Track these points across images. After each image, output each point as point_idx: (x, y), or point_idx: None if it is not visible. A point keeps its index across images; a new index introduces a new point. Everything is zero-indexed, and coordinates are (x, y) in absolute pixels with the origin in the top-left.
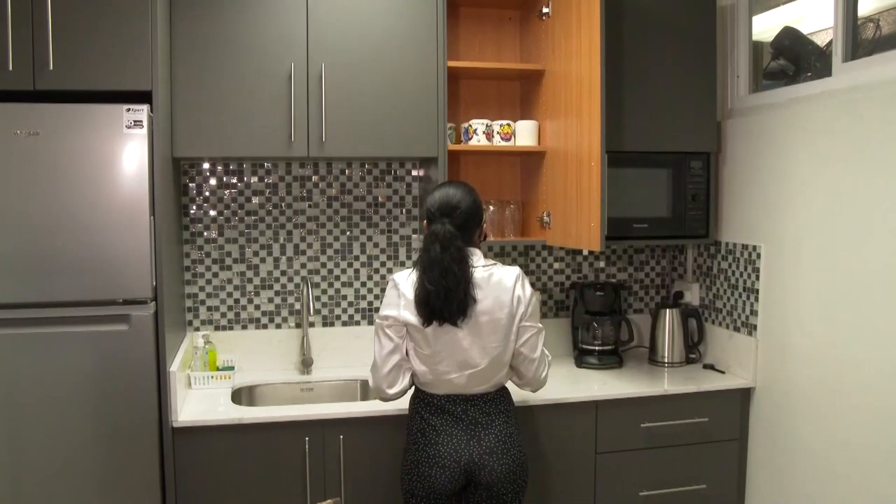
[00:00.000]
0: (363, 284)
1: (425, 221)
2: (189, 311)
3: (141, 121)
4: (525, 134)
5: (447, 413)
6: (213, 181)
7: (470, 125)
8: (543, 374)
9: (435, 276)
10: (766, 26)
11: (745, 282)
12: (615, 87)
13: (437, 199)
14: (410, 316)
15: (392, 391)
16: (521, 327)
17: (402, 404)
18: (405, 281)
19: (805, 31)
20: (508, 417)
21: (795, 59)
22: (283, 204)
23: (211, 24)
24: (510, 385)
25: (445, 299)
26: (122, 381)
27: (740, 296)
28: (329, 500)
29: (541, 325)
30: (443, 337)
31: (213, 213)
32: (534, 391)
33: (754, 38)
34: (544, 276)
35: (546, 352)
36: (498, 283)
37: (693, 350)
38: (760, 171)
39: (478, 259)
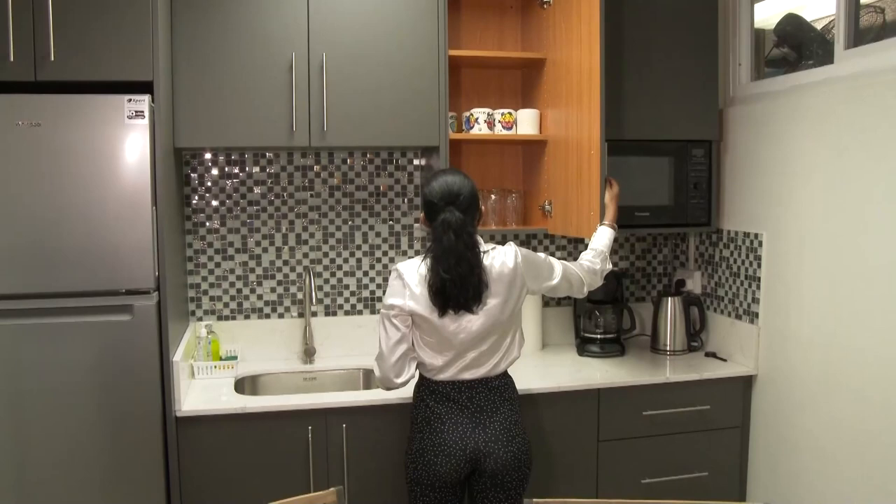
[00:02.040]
0: (365, 274)
1: (422, 213)
2: (192, 301)
3: (142, 111)
4: (526, 122)
5: (452, 401)
6: (214, 171)
7: (471, 114)
8: (602, 265)
9: (450, 265)
10: (769, 14)
11: (746, 270)
12: (617, 76)
13: (436, 188)
14: (416, 305)
15: (399, 380)
16: (543, 288)
17: (405, 392)
18: (410, 271)
19: (808, 18)
20: (513, 405)
21: (798, 46)
22: (284, 194)
23: (212, 13)
24: (512, 372)
25: (461, 287)
26: (125, 370)
27: (742, 284)
28: (331, 489)
29: (557, 266)
30: (450, 325)
31: (215, 203)
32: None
33: (757, 25)
34: None
35: (567, 264)
36: (501, 264)
37: (695, 338)
38: (762, 159)
39: (481, 244)
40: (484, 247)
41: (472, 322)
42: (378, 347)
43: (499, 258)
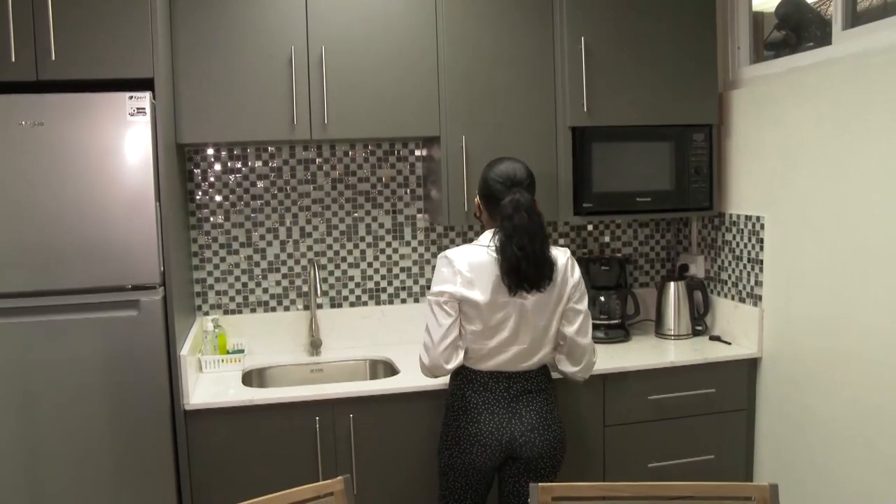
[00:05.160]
0: (369, 265)
1: (477, 199)
2: (198, 295)
3: (144, 108)
4: None
5: (489, 391)
6: (217, 166)
7: None
8: (595, 359)
9: (524, 242)
10: None
11: (749, 253)
12: (614, 61)
13: (501, 171)
14: (467, 291)
15: (449, 367)
16: (568, 310)
17: (415, 381)
18: (460, 257)
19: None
20: (549, 395)
21: (797, 28)
22: (287, 187)
23: (211, 9)
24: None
25: (536, 264)
26: (133, 366)
27: (745, 267)
28: (339, 477)
29: (588, 310)
30: (496, 314)
31: (218, 198)
32: (584, 378)
33: (756, 8)
34: None
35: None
36: (557, 257)
37: (699, 322)
38: (763, 142)
39: None
40: None
41: (509, 324)
42: (425, 335)
43: (557, 253)
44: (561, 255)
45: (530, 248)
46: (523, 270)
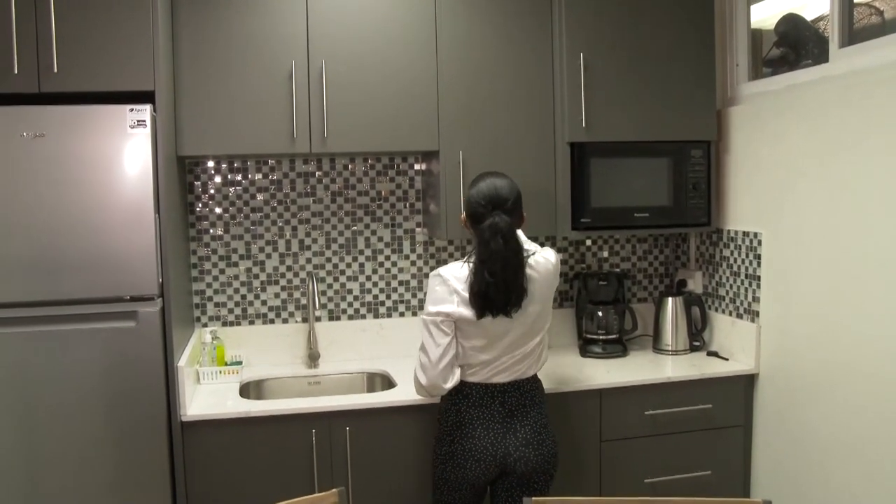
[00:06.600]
0: (368, 278)
1: (463, 215)
2: (197, 307)
3: (144, 120)
4: None
5: (484, 405)
6: (217, 179)
7: None
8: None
9: (496, 269)
10: (767, 14)
11: (747, 269)
12: (613, 77)
13: (483, 191)
14: (465, 310)
15: (448, 386)
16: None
17: (409, 396)
18: (454, 275)
19: (808, 17)
20: (541, 407)
21: (795, 45)
22: (287, 200)
23: (212, 23)
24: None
25: (505, 291)
26: (130, 376)
27: (742, 283)
28: (333, 490)
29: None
30: (494, 328)
31: (218, 210)
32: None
33: (754, 25)
34: None
35: None
36: (545, 269)
37: (697, 337)
38: (761, 159)
39: (524, 243)
40: (526, 244)
41: (512, 323)
42: (422, 355)
43: (542, 261)
44: (552, 260)
45: (501, 276)
46: (491, 297)
